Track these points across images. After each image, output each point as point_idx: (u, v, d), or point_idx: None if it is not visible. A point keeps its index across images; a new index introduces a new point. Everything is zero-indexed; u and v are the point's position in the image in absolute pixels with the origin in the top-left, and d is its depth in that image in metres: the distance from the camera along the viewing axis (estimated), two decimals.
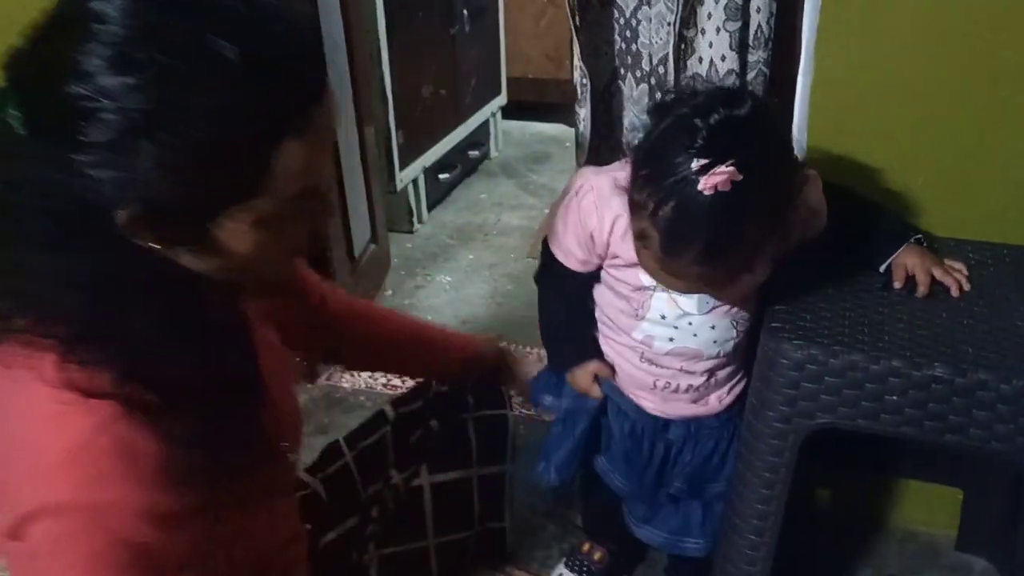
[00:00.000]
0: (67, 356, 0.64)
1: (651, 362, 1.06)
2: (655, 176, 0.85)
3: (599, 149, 1.34)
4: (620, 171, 0.96)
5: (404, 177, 2.43)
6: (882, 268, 1.05)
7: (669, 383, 1.06)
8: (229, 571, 0.76)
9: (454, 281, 2.29)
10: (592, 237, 1.00)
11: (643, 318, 1.03)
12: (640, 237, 0.90)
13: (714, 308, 1.01)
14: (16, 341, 0.65)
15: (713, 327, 1.02)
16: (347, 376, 1.89)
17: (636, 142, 0.93)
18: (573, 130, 3.40)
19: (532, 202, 2.77)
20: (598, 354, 1.10)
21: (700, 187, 0.80)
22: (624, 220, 0.95)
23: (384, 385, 1.85)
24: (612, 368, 1.09)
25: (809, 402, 0.95)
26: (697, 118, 0.83)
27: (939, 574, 1.37)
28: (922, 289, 1.00)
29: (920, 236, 1.06)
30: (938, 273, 1.02)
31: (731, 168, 0.79)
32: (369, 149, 2.08)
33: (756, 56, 1.15)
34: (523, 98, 3.24)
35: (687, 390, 1.07)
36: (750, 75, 1.16)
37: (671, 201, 0.83)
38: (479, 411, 1.17)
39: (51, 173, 0.60)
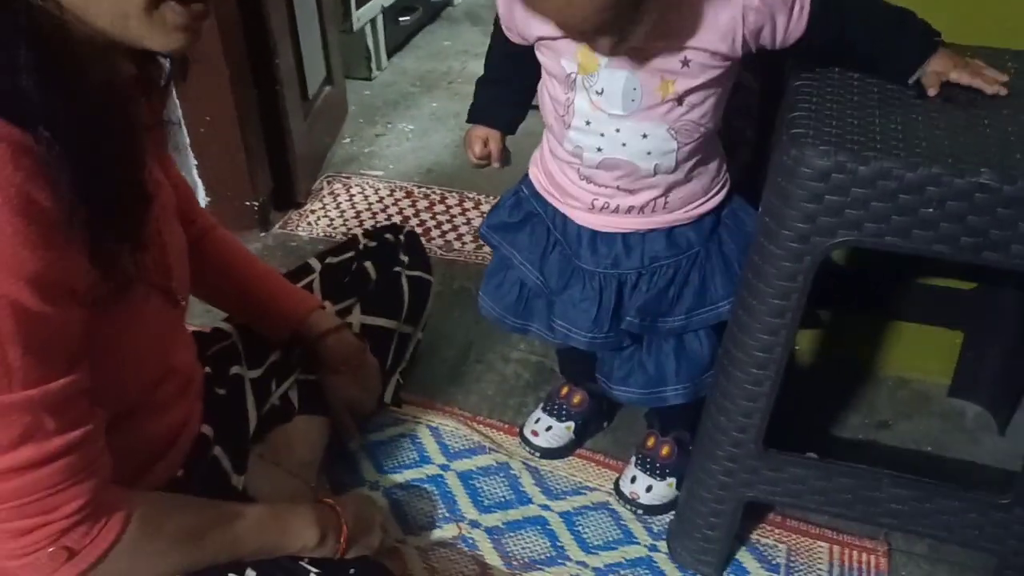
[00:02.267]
0: None
1: (588, 179, 0.97)
2: None
3: None
4: None
5: (361, 16, 2.21)
6: (911, 80, 0.91)
7: (608, 203, 0.97)
8: (113, 381, 0.72)
9: (417, 129, 2.11)
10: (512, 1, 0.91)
11: (570, 125, 0.93)
12: None
13: (644, 110, 0.89)
14: None
15: (645, 136, 0.90)
16: (303, 225, 1.74)
17: None
18: None
19: None
20: (508, 129, 1.07)
21: None
22: None
23: (344, 234, 1.71)
24: (507, 152, 1.07)
25: (832, 217, 0.83)
26: None
27: (930, 419, 1.32)
28: (971, 83, 0.87)
29: (941, 37, 0.91)
30: (975, 80, 0.89)
31: None
32: None
33: None
34: None
35: (628, 211, 0.97)
36: None
37: None
38: (411, 270, 1.26)
39: None
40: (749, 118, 1.20)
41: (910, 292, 1.28)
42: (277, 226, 1.73)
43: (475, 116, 1.07)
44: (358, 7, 2.20)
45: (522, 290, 1.06)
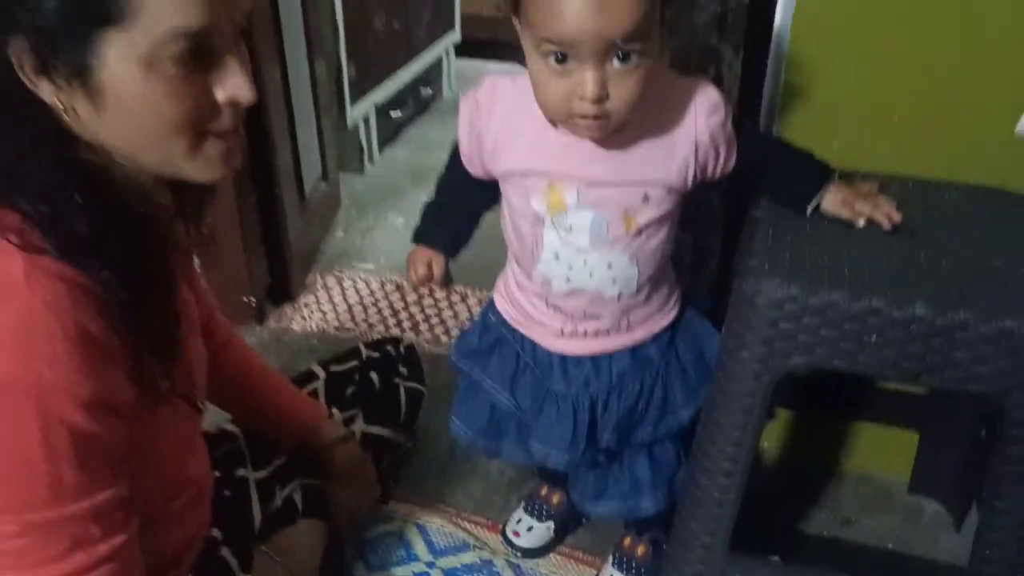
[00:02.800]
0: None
1: (556, 308, 1.02)
2: None
3: None
4: (524, 78, 0.90)
5: (355, 113, 2.33)
6: (809, 208, 1.01)
7: (576, 328, 1.02)
8: (138, 490, 0.78)
9: (406, 222, 2.21)
10: (480, 138, 0.96)
11: (539, 259, 0.98)
12: (535, 24, 0.80)
13: (609, 243, 0.95)
14: None
15: (610, 265, 0.97)
16: (297, 319, 1.82)
17: None
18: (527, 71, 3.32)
19: None
20: (452, 254, 1.09)
21: None
22: (511, 126, 0.93)
23: (337, 328, 1.79)
24: (449, 275, 1.09)
25: (787, 342, 0.92)
26: None
27: (892, 516, 1.38)
28: (860, 223, 0.98)
29: (834, 172, 1.02)
30: (865, 208, 0.99)
31: None
32: (320, 83, 1.97)
33: None
34: (477, 36, 3.14)
35: (595, 334, 1.03)
36: (730, 4, 1.11)
37: None
38: (408, 381, 1.34)
39: None
40: (716, 234, 1.30)
41: (869, 395, 1.37)
42: (272, 320, 1.80)
43: (421, 238, 1.09)
44: (352, 104, 2.32)
45: (493, 413, 1.11)
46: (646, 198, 0.93)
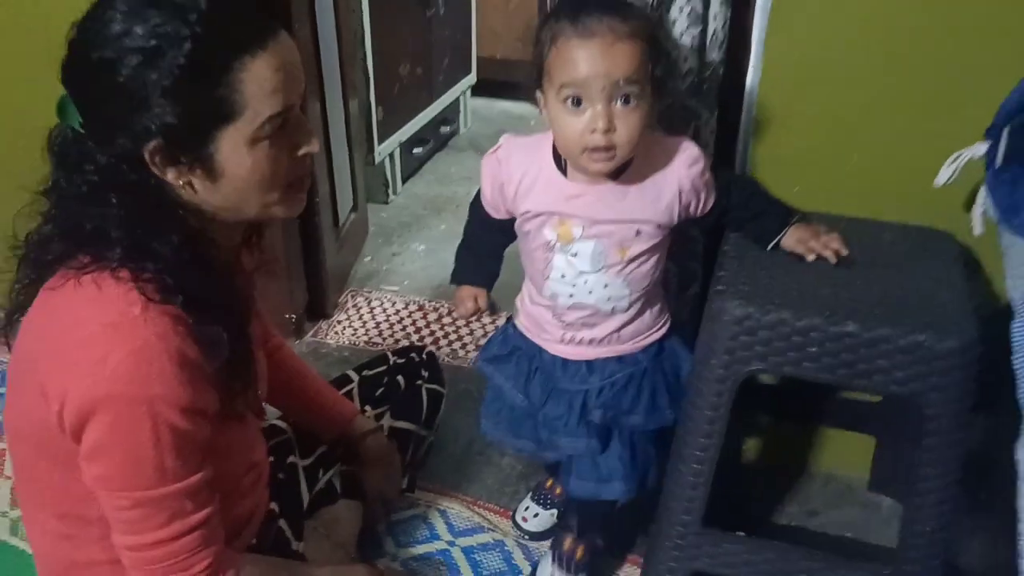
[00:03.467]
0: (120, 274, 0.87)
1: (559, 318, 1.21)
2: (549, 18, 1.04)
3: None
4: (539, 135, 1.14)
5: (382, 150, 2.57)
6: (770, 246, 1.22)
7: (574, 336, 1.22)
8: (217, 473, 0.98)
9: (427, 249, 2.44)
10: (502, 188, 1.16)
11: (548, 277, 1.17)
12: (555, 77, 1.02)
13: (606, 267, 1.14)
14: (72, 268, 0.88)
15: (606, 286, 1.16)
16: (331, 334, 2.04)
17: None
18: (537, 109, 3.57)
19: None
20: (491, 286, 1.29)
21: None
22: (529, 177, 1.13)
23: (366, 342, 2.01)
24: (493, 303, 1.28)
25: (746, 352, 1.14)
26: None
27: (854, 510, 1.59)
28: (810, 257, 1.19)
29: (799, 216, 1.23)
30: (816, 246, 1.19)
31: None
32: (353, 124, 2.21)
33: (713, 57, 1.32)
34: (491, 77, 3.39)
35: (590, 342, 1.22)
36: (707, 73, 1.34)
37: (565, 9, 1.02)
38: (429, 383, 1.54)
39: (101, 151, 0.86)
40: (698, 262, 1.51)
41: (831, 404, 1.57)
42: (309, 335, 2.03)
43: (461, 279, 1.29)
44: (380, 142, 2.57)
45: (513, 412, 1.28)
46: (638, 233, 1.14)
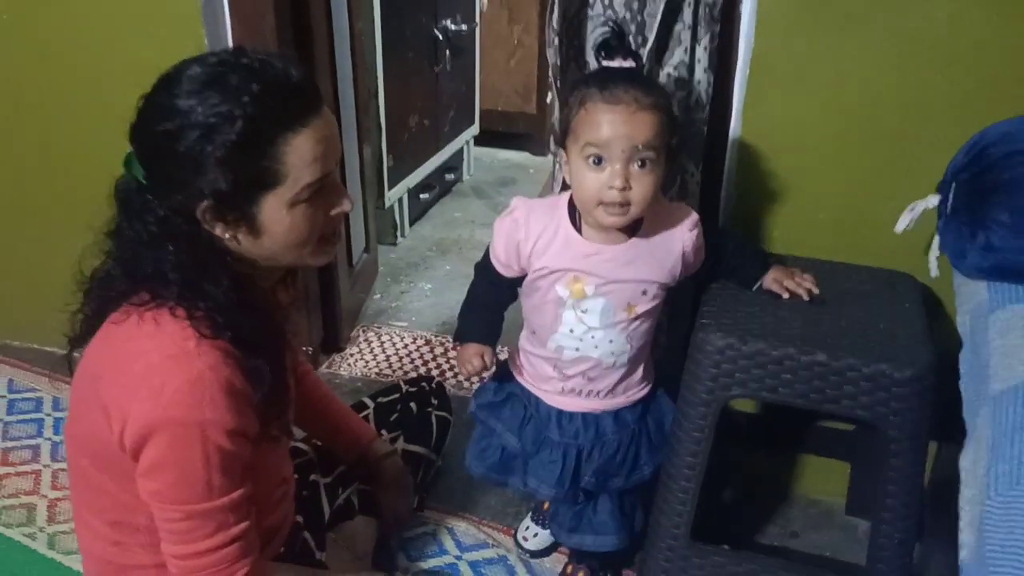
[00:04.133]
0: (176, 312, 0.99)
1: (561, 371, 1.27)
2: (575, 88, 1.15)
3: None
4: (549, 197, 1.25)
5: (392, 196, 2.73)
6: (754, 288, 1.36)
7: (574, 388, 1.29)
8: (254, 488, 1.09)
9: (434, 288, 2.58)
10: (518, 247, 1.22)
11: (556, 331, 1.24)
12: (580, 136, 1.12)
13: (613, 324, 1.23)
14: (133, 304, 1.00)
15: (611, 341, 1.24)
16: (344, 366, 2.17)
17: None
18: (537, 157, 3.78)
19: None
20: (493, 344, 1.31)
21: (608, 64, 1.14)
22: (546, 236, 1.20)
23: (377, 374, 2.14)
24: (495, 358, 1.30)
25: (727, 379, 1.27)
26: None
27: (833, 532, 1.70)
28: (786, 296, 1.33)
29: (774, 258, 1.37)
30: (791, 285, 1.33)
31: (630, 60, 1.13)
32: (366, 171, 2.37)
33: (697, 116, 1.48)
34: (494, 128, 3.58)
35: (588, 395, 1.29)
36: (692, 130, 1.49)
37: (595, 78, 1.13)
38: (438, 411, 1.66)
39: (160, 203, 0.98)
40: (688, 302, 1.65)
41: (808, 432, 1.70)
42: (324, 367, 2.16)
43: (468, 337, 1.31)
44: (390, 188, 2.72)
45: (503, 453, 1.36)
46: (644, 292, 1.24)
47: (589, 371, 1.28)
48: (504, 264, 1.26)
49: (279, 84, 0.97)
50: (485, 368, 1.29)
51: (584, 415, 1.32)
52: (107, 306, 1.04)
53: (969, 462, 0.94)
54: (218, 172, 0.94)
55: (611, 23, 1.20)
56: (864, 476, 1.70)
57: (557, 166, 1.63)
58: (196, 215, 0.97)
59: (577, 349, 1.25)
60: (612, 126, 1.10)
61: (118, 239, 1.03)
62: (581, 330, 1.23)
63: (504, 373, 1.40)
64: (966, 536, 0.85)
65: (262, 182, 0.97)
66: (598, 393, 1.31)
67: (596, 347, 1.25)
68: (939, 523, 1.42)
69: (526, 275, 1.26)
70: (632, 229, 1.21)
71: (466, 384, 2.12)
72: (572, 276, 1.21)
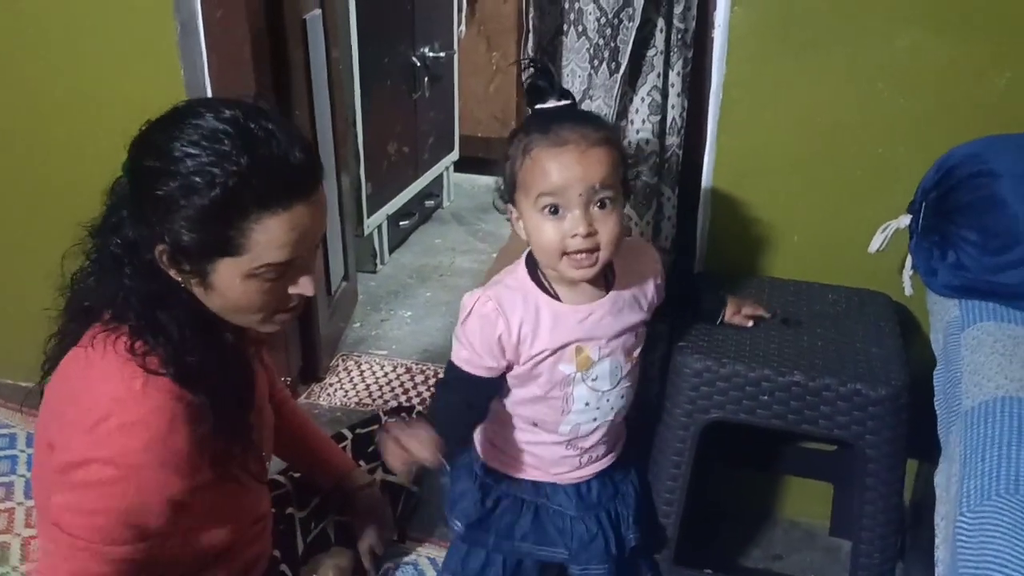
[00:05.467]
0: (133, 340, 0.98)
1: (576, 447, 1.19)
2: (521, 134, 1.06)
3: None
4: (507, 278, 1.13)
5: (371, 223, 2.73)
6: (718, 322, 1.36)
7: (591, 455, 1.21)
8: (236, 523, 1.10)
9: (414, 315, 2.58)
10: (501, 342, 1.09)
11: (570, 411, 1.14)
12: (530, 187, 1.03)
13: (623, 378, 1.17)
14: (101, 326, 1.00)
15: (622, 396, 1.18)
16: (324, 396, 2.16)
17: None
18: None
19: (481, 247, 3.09)
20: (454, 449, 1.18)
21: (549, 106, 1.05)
22: (528, 320, 1.09)
23: (357, 403, 2.12)
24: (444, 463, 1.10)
25: (705, 401, 1.28)
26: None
27: (816, 554, 1.70)
28: (749, 324, 1.34)
29: (727, 296, 1.37)
30: (749, 311, 1.35)
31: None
32: (345, 199, 2.37)
33: (671, 141, 1.50)
34: (473, 154, 3.58)
35: (600, 458, 1.23)
36: (667, 155, 1.51)
37: (533, 123, 1.05)
38: None
39: (128, 225, 0.98)
40: (665, 324, 1.66)
41: (790, 453, 1.71)
42: (303, 397, 2.14)
43: (456, 449, 1.17)
44: (369, 215, 2.72)
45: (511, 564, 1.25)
46: (637, 335, 1.18)
47: (605, 435, 1.20)
48: (488, 367, 1.12)
49: (272, 162, 0.94)
50: (430, 461, 1.07)
51: (599, 478, 1.24)
52: (81, 320, 1.04)
53: (943, 479, 0.95)
54: (183, 226, 0.94)
55: (535, 62, 1.11)
56: (846, 497, 1.70)
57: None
58: (154, 252, 0.97)
59: (595, 420, 1.17)
60: (563, 170, 1.01)
61: (98, 240, 1.03)
62: (595, 399, 1.15)
63: (485, 476, 1.25)
64: (941, 552, 0.85)
65: (222, 248, 0.96)
66: (610, 451, 1.24)
67: (612, 408, 1.18)
68: (920, 542, 1.42)
69: (510, 368, 1.14)
70: (606, 276, 1.14)
71: None
72: (574, 348, 1.12)
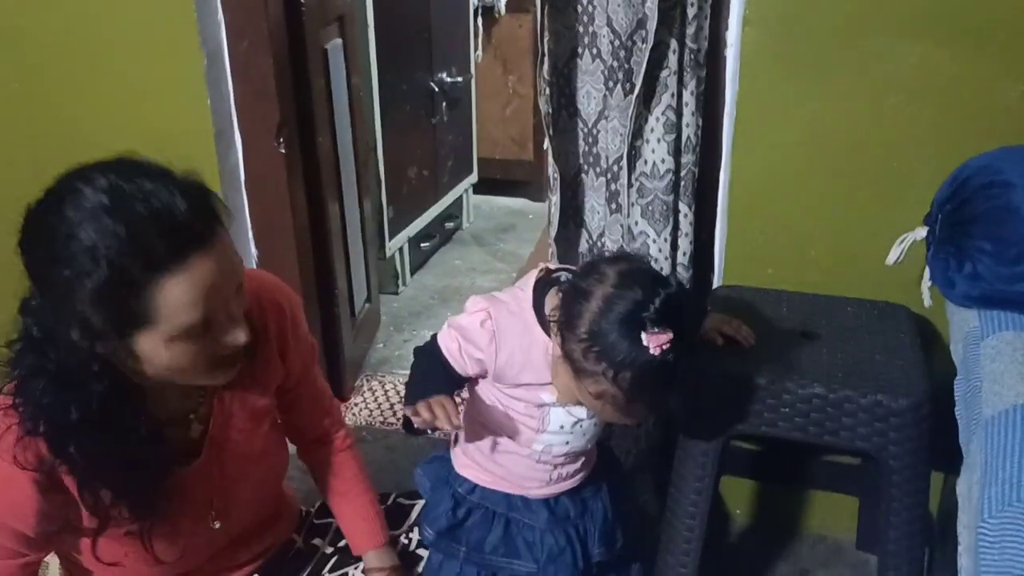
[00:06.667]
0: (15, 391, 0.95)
1: (546, 463, 1.19)
2: (610, 351, 0.98)
3: (567, 225, 1.69)
4: (512, 301, 1.11)
5: (392, 246, 2.77)
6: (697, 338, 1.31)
7: (561, 473, 1.21)
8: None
9: None
10: (479, 360, 1.10)
11: (544, 431, 1.15)
12: (599, 396, 1.03)
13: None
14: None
15: (596, 424, 1.18)
16: (349, 416, 2.18)
17: (570, 315, 1.02)
18: (536, 204, 3.83)
19: (501, 267, 3.13)
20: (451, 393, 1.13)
21: (652, 352, 0.95)
22: (520, 353, 1.08)
23: (382, 422, 2.15)
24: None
25: (727, 414, 1.29)
26: (643, 302, 0.98)
27: (843, 569, 1.69)
28: (720, 342, 1.32)
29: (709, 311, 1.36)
30: (729, 331, 1.32)
31: (671, 334, 0.96)
32: (367, 223, 2.42)
33: (687, 159, 1.52)
34: (491, 176, 3.64)
35: (569, 477, 1.22)
36: (682, 173, 1.53)
37: (629, 369, 0.97)
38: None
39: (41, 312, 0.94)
40: None
41: (815, 468, 1.71)
42: None
43: (417, 397, 1.07)
44: (391, 238, 2.77)
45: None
46: None
47: (573, 458, 1.21)
48: (458, 364, 1.13)
49: (152, 223, 0.88)
50: (453, 417, 1.04)
51: (569, 495, 1.25)
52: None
53: (965, 487, 0.95)
54: (88, 309, 0.88)
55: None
56: (872, 510, 1.70)
57: (552, 209, 1.67)
58: (72, 337, 0.92)
59: (567, 443, 1.17)
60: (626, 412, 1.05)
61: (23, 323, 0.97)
62: (570, 423, 1.16)
63: (457, 486, 1.25)
64: (964, 560, 0.86)
65: (132, 322, 0.90)
66: (579, 472, 1.24)
67: (584, 435, 1.18)
68: (948, 555, 1.41)
69: (477, 378, 1.15)
70: None
71: None
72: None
